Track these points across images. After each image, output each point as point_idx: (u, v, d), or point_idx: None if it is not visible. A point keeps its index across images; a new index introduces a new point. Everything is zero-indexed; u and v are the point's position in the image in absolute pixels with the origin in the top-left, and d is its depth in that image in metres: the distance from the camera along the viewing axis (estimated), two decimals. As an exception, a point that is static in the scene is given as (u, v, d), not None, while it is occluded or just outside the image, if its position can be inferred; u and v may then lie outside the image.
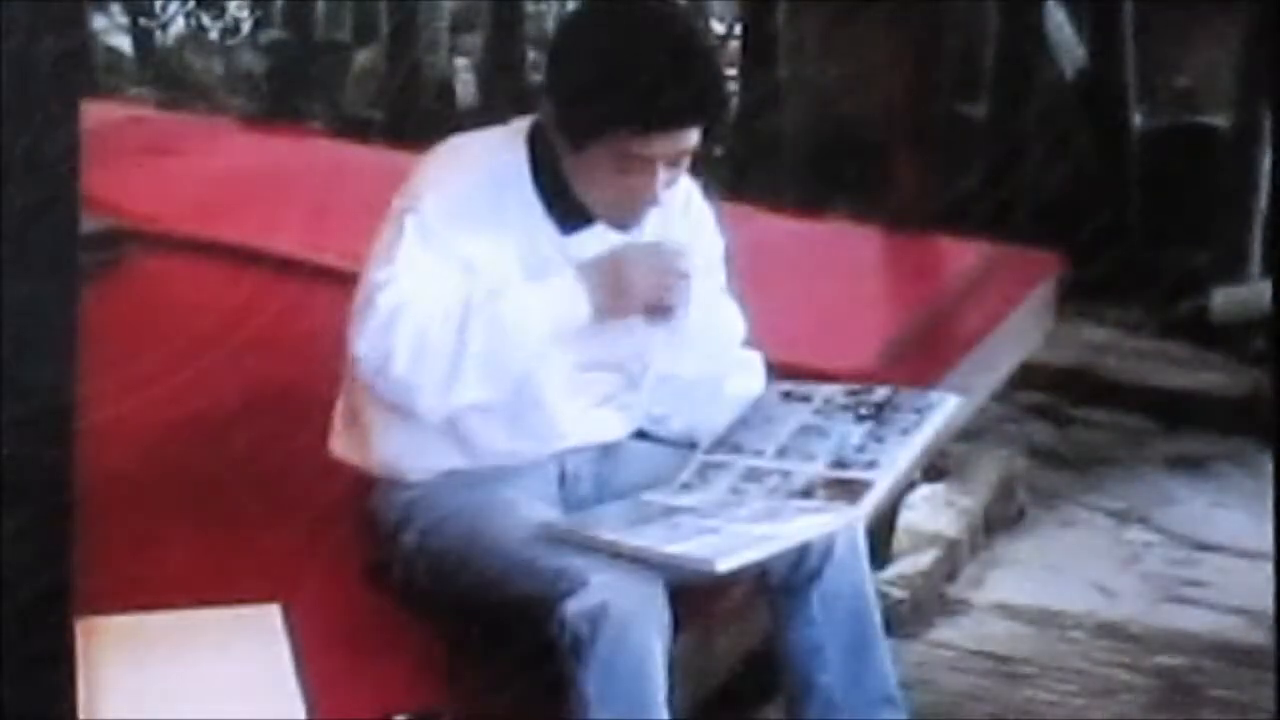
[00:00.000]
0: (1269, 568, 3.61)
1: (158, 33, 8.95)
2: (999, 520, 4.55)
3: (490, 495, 2.66)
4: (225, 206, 4.22)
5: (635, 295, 2.62)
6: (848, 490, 2.65)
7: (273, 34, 8.65)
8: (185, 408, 3.09)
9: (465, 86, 8.16)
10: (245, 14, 8.90)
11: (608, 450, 2.81)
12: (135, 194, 4.19)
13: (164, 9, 8.90)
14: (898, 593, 3.95)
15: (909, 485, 4.05)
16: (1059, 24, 6.73)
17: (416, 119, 7.62)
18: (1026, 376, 4.48)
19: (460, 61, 8.29)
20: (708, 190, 2.89)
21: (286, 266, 3.70)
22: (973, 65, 6.61)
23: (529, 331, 2.54)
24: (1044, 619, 4.06)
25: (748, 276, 2.99)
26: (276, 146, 5.28)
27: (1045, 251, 4.43)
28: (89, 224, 1.80)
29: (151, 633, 2.45)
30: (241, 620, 2.49)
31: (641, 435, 2.89)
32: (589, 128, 2.58)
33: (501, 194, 2.64)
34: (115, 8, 8.85)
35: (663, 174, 2.61)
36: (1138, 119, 6.56)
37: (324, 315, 2.94)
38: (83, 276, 1.65)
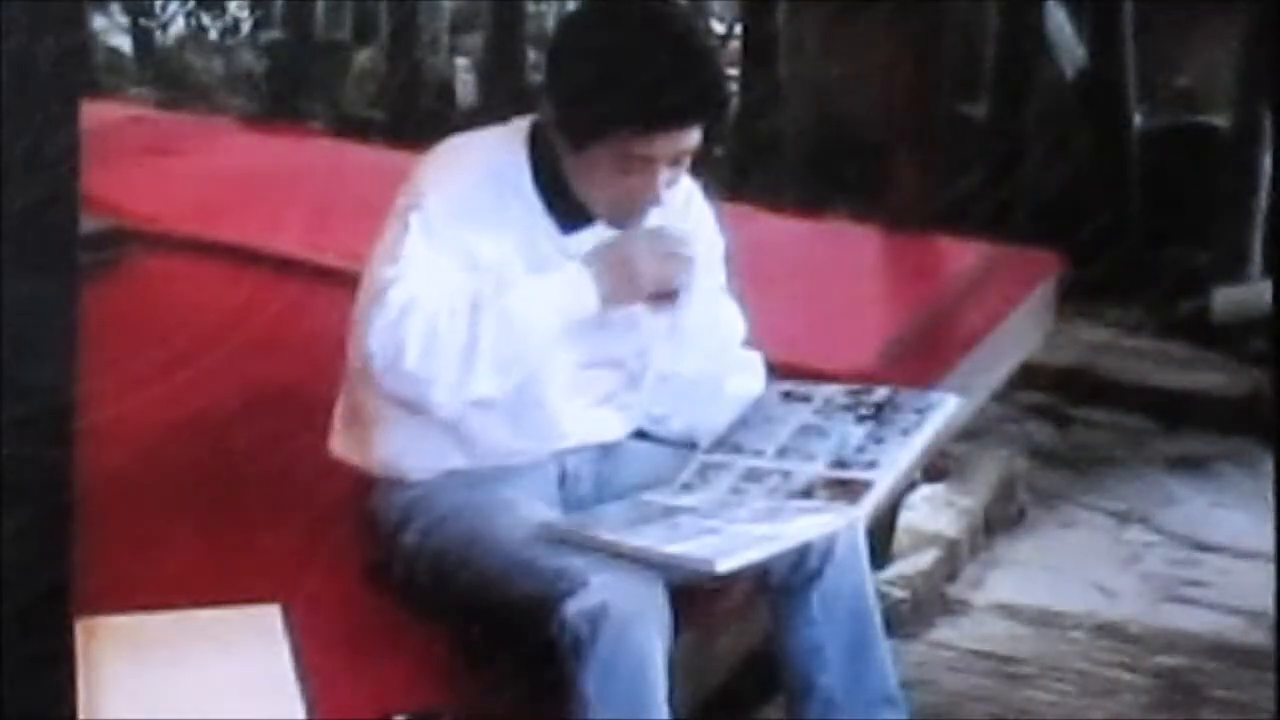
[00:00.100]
0: (1269, 568, 3.62)
1: (158, 33, 8.96)
2: (999, 520, 4.55)
3: (490, 495, 2.66)
4: (225, 206, 4.22)
5: (642, 281, 2.62)
6: (848, 490, 2.65)
7: (273, 34, 8.66)
8: (185, 408, 3.09)
9: (465, 86, 8.16)
10: (245, 14, 8.91)
11: (608, 450, 2.81)
12: (135, 194, 4.19)
13: (164, 9, 8.91)
14: (898, 593, 3.96)
15: (909, 485, 4.05)
16: (1059, 24, 6.74)
17: (416, 119, 7.63)
18: (1026, 376, 4.49)
19: (460, 61, 8.30)
20: (708, 190, 2.89)
21: (287, 266, 3.70)
22: (973, 65, 6.61)
23: (539, 322, 2.54)
24: (1044, 619, 4.06)
25: (748, 276, 2.99)
26: (277, 146, 5.29)
27: (1045, 251, 4.43)
28: (89, 224, 1.80)
29: (152, 633, 2.45)
30: (242, 620, 2.49)
31: (641, 435, 2.89)
32: (590, 128, 2.58)
33: (502, 193, 2.64)
34: (115, 7, 8.85)
35: (664, 173, 2.61)
36: (1138, 119, 6.56)
37: (324, 315, 2.94)
38: (83, 276, 1.65)
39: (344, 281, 2.79)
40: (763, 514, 2.61)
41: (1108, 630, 4.02)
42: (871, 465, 2.68)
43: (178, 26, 8.96)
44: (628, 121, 2.55)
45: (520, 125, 2.73)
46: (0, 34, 1.54)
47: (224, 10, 8.91)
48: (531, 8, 8.19)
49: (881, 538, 3.88)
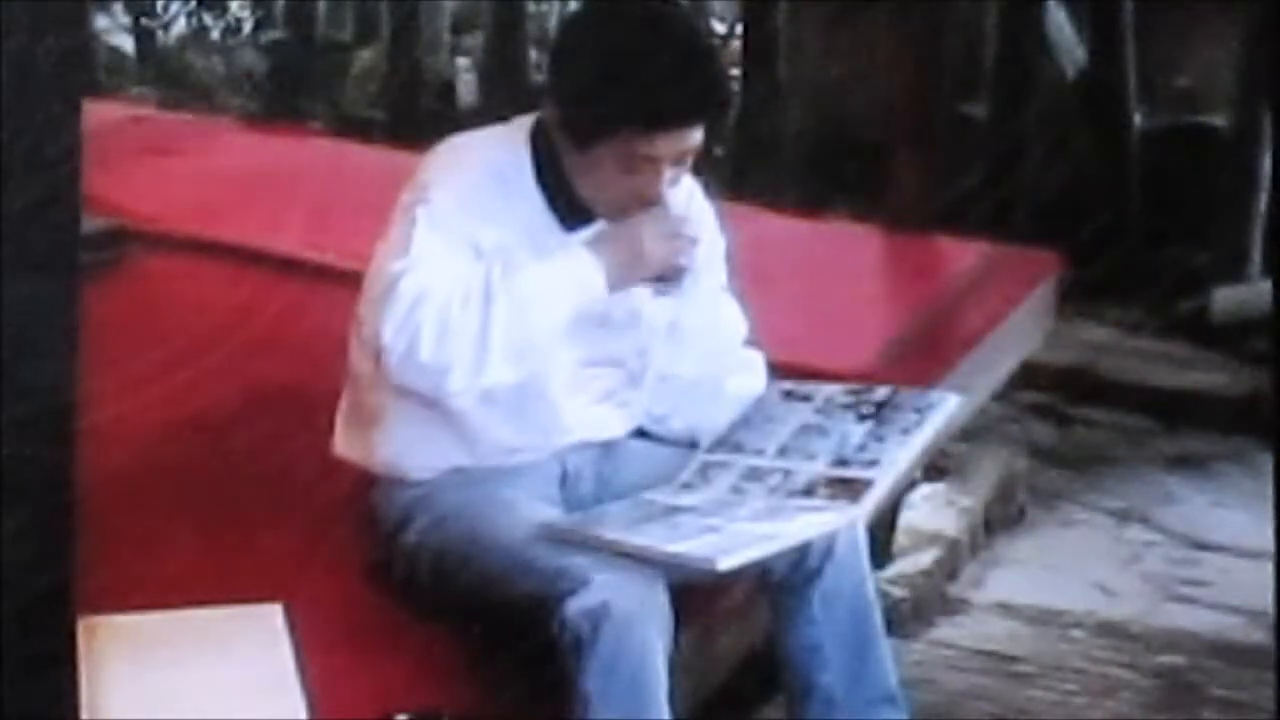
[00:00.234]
0: (1269, 567, 3.62)
1: (159, 33, 8.96)
2: (999, 520, 4.55)
3: (492, 494, 2.66)
4: (226, 206, 4.22)
5: (647, 261, 2.62)
6: (849, 489, 2.65)
7: (274, 34, 8.66)
8: (185, 408, 3.10)
9: (466, 86, 8.16)
10: (247, 14, 8.91)
11: (609, 450, 2.82)
12: (136, 194, 4.19)
13: (166, 9, 8.91)
14: (898, 592, 3.96)
15: (910, 484, 4.05)
16: (1059, 24, 6.73)
17: (417, 119, 7.63)
18: (1026, 376, 4.49)
19: (461, 61, 8.30)
20: (708, 190, 2.89)
21: (287, 266, 3.70)
22: (973, 65, 6.61)
23: (549, 305, 2.54)
24: (1044, 618, 4.06)
25: (748, 276, 2.99)
26: (277, 146, 5.29)
27: (1045, 251, 4.43)
28: (90, 224, 1.81)
29: (153, 632, 2.45)
30: (243, 620, 2.50)
31: (642, 435, 2.90)
32: (593, 128, 2.58)
33: (505, 190, 2.65)
34: (117, 7, 8.86)
35: (666, 172, 2.61)
36: (1138, 119, 6.56)
37: (324, 315, 2.94)
38: (83, 276, 1.65)
39: (344, 281, 2.79)
40: (763, 513, 2.61)
41: (1108, 629, 4.02)
42: (872, 464, 2.68)
43: (179, 26, 8.96)
44: (630, 121, 2.55)
45: (522, 124, 2.73)
46: (1, 34, 1.54)
47: (225, 10, 8.91)
48: (532, 8, 8.18)
49: (882, 537, 3.88)
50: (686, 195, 2.80)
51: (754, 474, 2.73)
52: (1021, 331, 4.14)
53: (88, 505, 1.69)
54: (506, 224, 2.61)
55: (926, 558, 4.17)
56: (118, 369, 2.61)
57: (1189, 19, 6.58)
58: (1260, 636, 3.88)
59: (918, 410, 2.77)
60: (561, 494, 2.76)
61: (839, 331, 3.77)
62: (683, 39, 2.62)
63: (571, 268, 2.58)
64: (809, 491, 2.67)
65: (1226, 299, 5.99)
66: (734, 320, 2.95)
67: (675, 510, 2.62)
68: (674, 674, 2.45)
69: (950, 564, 4.24)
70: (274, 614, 2.50)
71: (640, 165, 2.59)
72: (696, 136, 2.61)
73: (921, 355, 3.69)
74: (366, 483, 2.78)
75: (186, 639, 2.45)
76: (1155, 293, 6.08)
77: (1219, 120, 6.42)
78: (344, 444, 2.81)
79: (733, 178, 6.50)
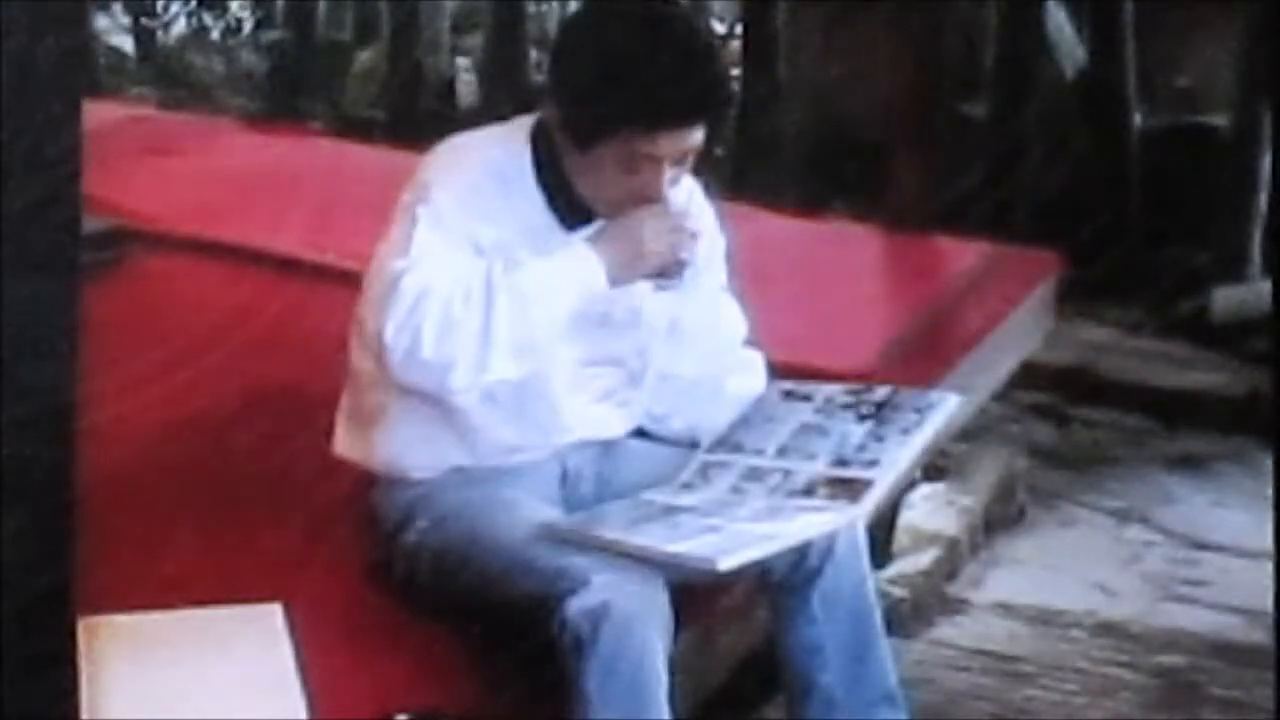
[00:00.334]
0: (1269, 567, 3.62)
1: (159, 33, 8.98)
2: (999, 520, 4.55)
3: (492, 494, 2.66)
4: (226, 206, 4.22)
5: (649, 255, 2.62)
6: (849, 489, 2.65)
7: (274, 34, 8.67)
8: (186, 408, 3.10)
9: (466, 86, 8.17)
10: (247, 14, 8.93)
11: (609, 450, 2.82)
12: (136, 194, 4.19)
13: (166, 9, 8.93)
14: (898, 592, 3.96)
15: (909, 484, 4.05)
16: (1059, 24, 6.74)
17: (418, 119, 7.64)
18: (1026, 376, 4.49)
19: (462, 61, 8.31)
20: (708, 190, 2.89)
21: (287, 266, 3.70)
22: (973, 65, 6.62)
23: (551, 301, 2.54)
24: (1044, 618, 4.06)
25: (748, 276, 2.99)
26: (278, 146, 5.29)
27: (1045, 251, 4.43)
28: (90, 224, 1.80)
29: (153, 632, 2.45)
30: (243, 620, 2.50)
31: (642, 435, 2.90)
32: (594, 128, 2.58)
33: (505, 189, 2.65)
34: (117, 7, 8.87)
35: (668, 172, 2.61)
36: (1138, 119, 6.56)
37: (324, 315, 2.95)
38: (83, 276, 1.65)
39: (345, 281, 2.79)
40: (763, 513, 2.61)
41: (1107, 629, 4.02)
42: (872, 464, 2.68)
43: (179, 26, 8.98)
44: (632, 121, 2.55)
45: (522, 123, 2.73)
46: (1, 34, 1.54)
47: (225, 10, 8.92)
48: (532, 8, 8.19)
49: (882, 536, 3.88)
50: (686, 195, 2.80)
51: (754, 474, 2.73)
52: (1021, 331, 4.14)
53: (88, 505, 1.69)
54: (507, 223, 2.61)
55: (926, 558, 4.17)
56: (118, 369, 2.61)
57: (1189, 19, 6.58)
58: (1260, 636, 3.88)
59: (918, 410, 2.77)
60: (562, 494, 2.76)
61: (839, 331, 3.77)
62: (683, 38, 2.62)
63: (572, 263, 2.58)
64: (809, 491, 2.67)
65: (1226, 299, 5.99)
66: (734, 320, 2.95)
67: (675, 510, 2.62)
68: (674, 674, 2.45)
69: (950, 564, 4.24)
70: (274, 614, 2.50)
71: (641, 165, 2.59)
72: (697, 136, 2.61)
73: (921, 355, 3.69)
74: (366, 483, 2.78)
75: (186, 639, 2.45)
76: (1155, 293, 6.08)
77: (1219, 120, 6.43)
78: (344, 444, 2.81)
79: (733, 178, 6.51)
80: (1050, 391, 5.43)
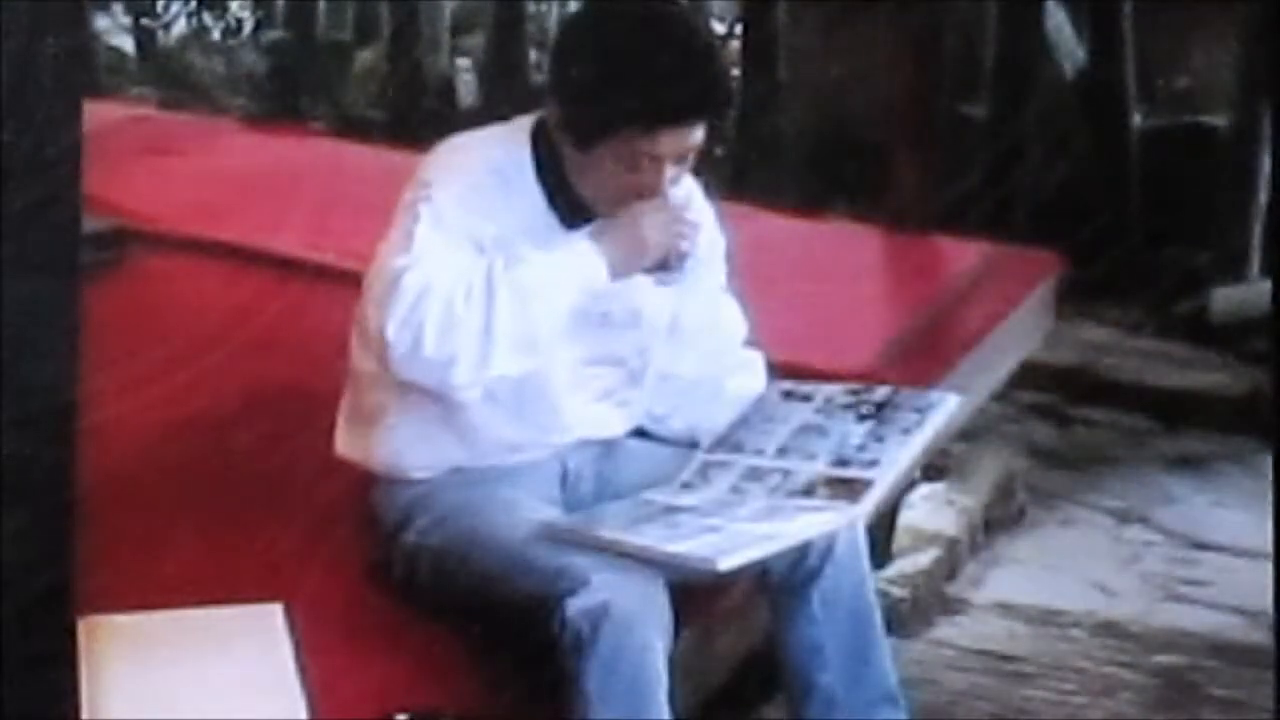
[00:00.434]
0: (1269, 567, 3.63)
1: (160, 33, 8.97)
2: (999, 519, 4.55)
3: (492, 494, 2.66)
4: (227, 206, 4.23)
5: (649, 247, 2.62)
6: (848, 489, 2.65)
7: (274, 34, 8.66)
8: (186, 407, 3.10)
9: (467, 87, 8.16)
10: (247, 14, 8.92)
11: (609, 449, 2.82)
12: (137, 194, 4.19)
13: (166, 9, 8.92)
14: (898, 591, 3.96)
15: (909, 484, 4.05)
16: (1059, 24, 6.74)
17: (418, 119, 7.64)
18: (1026, 376, 4.49)
19: (462, 62, 8.30)
20: (708, 190, 2.89)
21: (288, 266, 3.70)
22: (973, 65, 6.61)
23: (552, 295, 2.54)
24: (1044, 618, 4.06)
25: (748, 276, 2.99)
26: (278, 146, 5.29)
27: (1045, 251, 4.43)
28: (90, 224, 1.80)
29: (153, 632, 2.45)
30: (243, 620, 2.50)
31: (642, 434, 2.90)
32: (595, 127, 2.58)
33: (506, 189, 2.65)
34: (117, 8, 8.86)
35: (669, 171, 2.61)
36: (1138, 119, 6.56)
37: (325, 315, 2.95)
38: (84, 276, 1.65)
39: (345, 281, 2.79)
40: (763, 513, 2.61)
41: (1107, 629, 4.02)
42: (872, 464, 2.68)
43: (180, 26, 8.97)
44: (632, 120, 2.55)
45: (523, 123, 2.73)
46: (1, 34, 1.54)
47: (226, 10, 8.91)
48: (532, 8, 8.19)
49: (881, 536, 3.88)
50: (686, 196, 2.80)
51: (754, 474, 2.73)
52: (1021, 331, 4.14)
53: (88, 505, 1.69)
54: (507, 222, 2.62)
55: (926, 558, 4.17)
56: (118, 369, 2.61)
57: (1189, 19, 6.58)
58: (1259, 636, 3.88)
59: (918, 410, 2.77)
60: (562, 494, 2.76)
61: (839, 331, 3.77)
62: (683, 37, 2.63)
63: (573, 258, 2.58)
64: (809, 491, 2.67)
65: (1226, 299, 5.99)
66: (734, 320, 2.95)
67: (675, 510, 2.63)
68: (674, 674, 2.45)
69: (950, 564, 4.24)
70: (274, 614, 2.50)
71: (642, 164, 2.59)
72: (698, 134, 2.61)
73: (921, 355, 3.69)
74: (367, 482, 2.78)
75: (186, 639, 2.45)
76: (1155, 293, 6.08)
77: (1219, 120, 6.43)
78: (344, 443, 2.81)
79: (733, 178, 6.51)
80: (1050, 391, 5.43)
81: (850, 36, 6.79)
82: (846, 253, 4.46)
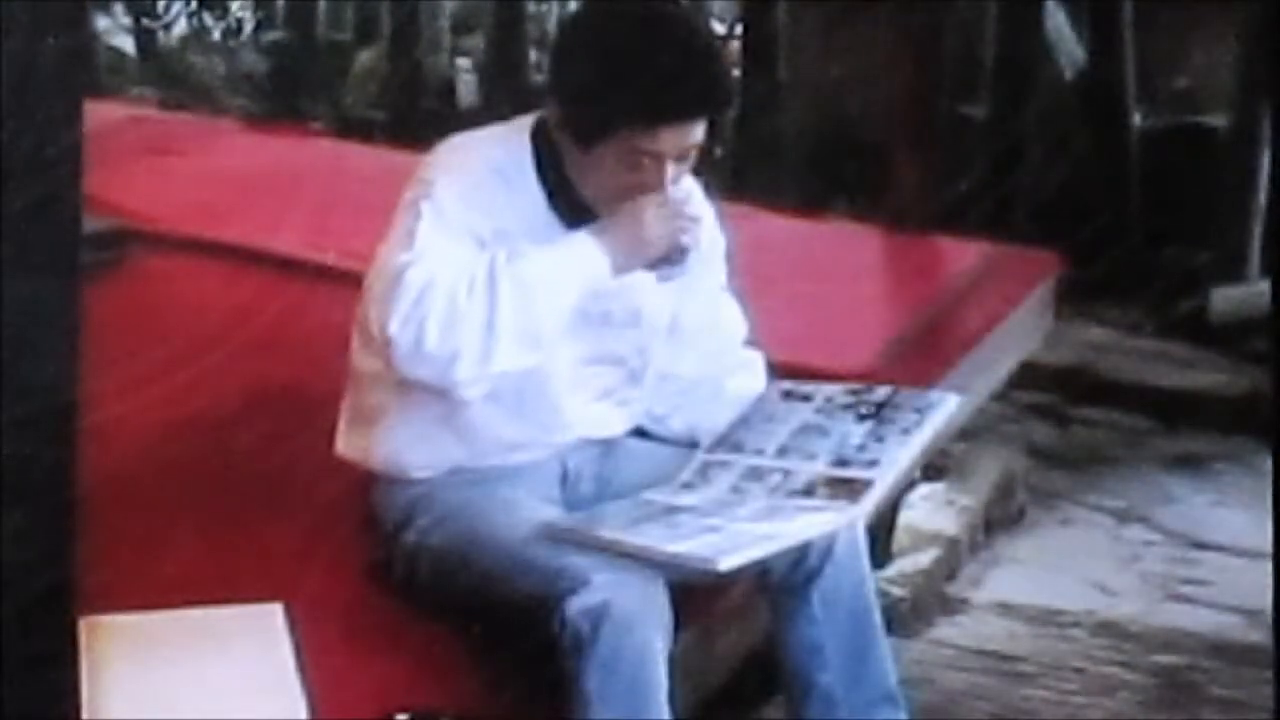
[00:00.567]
0: (1268, 567, 3.63)
1: (160, 33, 8.98)
2: (999, 519, 4.55)
3: (492, 494, 2.66)
4: (227, 206, 4.22)
5: (651, 242, 2.61)
6: (848, 489, 2.65)
7: (275, 34, 8.68)
8: (186, 408, 3.09)
9: (467, 87, 8.17)
10: (248, 14, 8.93)
11: (609, 449, 2.82)
12: (137, 194, 4.19)
13: (166, 9, 8.92)
14: (898, 591, 3.96)
15: (909, 484, 4.05)
16: (1059, 24, 6.74)
17: (418, 119, 7.64)
18: (1026, 376, 4.49)
19: (462, 62, 8.31)
20: (708, 190, 2.89)
21: (288, 266, 3.70)
22: (973, 65, 6.62)
23: (555, 290, 2.54)
24: (1044, 618, 4.07)
25: (748, 276, 2.99)
26: (278, 147, 5.29)
27: (1045, 251, 4.43)
28: (90, 224, 1.80)
29: (154, 632, 2.45)
30: (243, 619, 2.50)
31: (643, 434, 2.90)
32: (595, 126, 2.58)
33: (507, 187, 2.65)
34: (118, 8, 8.86)
35: (669, 170, 2.61)
36: (1138, 119, 6.57)
37: (325, 315, 2.95)
38: (84, 276, 1.65)
39: (345, 281, 2.79)
40: (763, 513, 2.61)
41: (1107, 628, 4.03)
42: (872, 464, 2.68)
43: (180, 27, 8.98)
44: (633, 119, 2.55)
45: (523, 123, 2.73)
46: (1, 34, 1.54)
47: (226, 11, 8.92)
48: (532, 8, 8.19)
49: (881, 536, 3.89)
50: (685, 195, 2.80)
51: (754, 474, 2.73)
52: (1021, 331, 4.14)
53: (88, 505, 1.69)
54: (508, 221, 2.62)
55: (926, 557, 4.17)
56: (118, 369, 2.61)
57: (1189, 19, 6.59)
58: (1259, 636, 3.89)
59: (918, 410, 2.77)
60: (562, 494, 2.76)
61: (839, 331, 3.77)
62: (683, 36, 2.63)
63: (575, 252, 2.58)
64: (809, 491, 2.67)
65: (1226, 299, 6.00)
66: (734, 320, 2.95)
67: (675, 510, 2.62)
68: (674, 674, 2.45)
69: (950, 563, 4.25)
70: (274, 614, 2.50)
71: (642, 162, 2.59)
72: (698, 133, 2.61)
73: (921, 355, 3.69)
74: (367, 482, 2.78)
75: (186, 639, 2.45)
76: (1155, 293, 6.09)
77: (1219, 120, 6.43)
78: (345, 443, 2.81)
79: (733, 178, 6.51)
80: (1050, 391, 5.44)
81: (850, 36, 6.79)
82: (846, 253, 4.47)
